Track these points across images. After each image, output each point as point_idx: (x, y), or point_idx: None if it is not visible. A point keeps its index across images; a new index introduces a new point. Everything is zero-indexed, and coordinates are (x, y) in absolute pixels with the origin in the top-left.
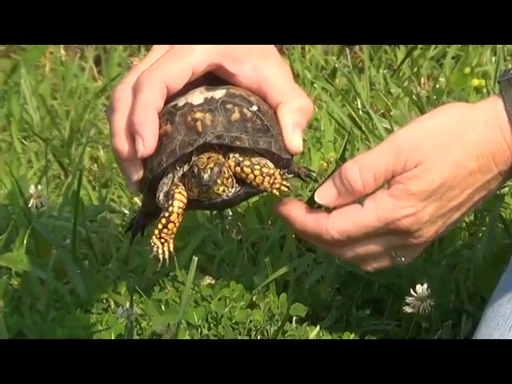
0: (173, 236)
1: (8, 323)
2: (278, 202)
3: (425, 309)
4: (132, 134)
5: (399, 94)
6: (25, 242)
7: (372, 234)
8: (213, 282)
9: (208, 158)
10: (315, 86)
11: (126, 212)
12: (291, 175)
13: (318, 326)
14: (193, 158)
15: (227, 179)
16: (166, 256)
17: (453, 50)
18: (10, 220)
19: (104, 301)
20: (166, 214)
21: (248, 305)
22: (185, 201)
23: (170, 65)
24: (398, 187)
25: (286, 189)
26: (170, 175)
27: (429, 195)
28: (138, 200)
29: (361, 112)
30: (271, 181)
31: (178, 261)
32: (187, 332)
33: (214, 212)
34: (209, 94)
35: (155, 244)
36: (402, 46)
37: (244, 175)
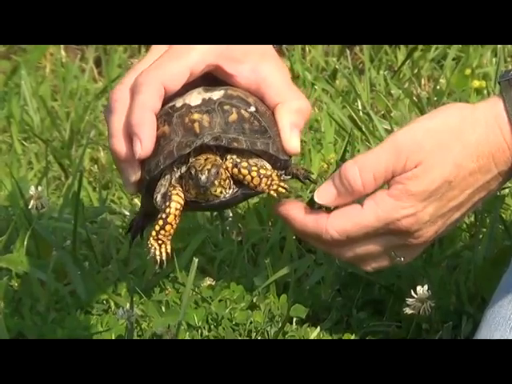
0: (170, 237)
1: (8, 324)
2: (277, 202)
3: (425, 310)
4: (130, 136)
5: (400, 95)
6: (25, 243)
7: (372, 234)
8: (213, 283)
9: (205, 160)
10: (316, 87)
11: (127, 213)
12: (289, 176)
13: (319, 327)
14: (190, 160)
15: (224, 180)
16: (164, 257)
17: (453, 51)
18: (10, 221)
19: (104, 302)
20: (163, 216)
21: (248, 306)
22: (182, 202)
23: (167, 66)
24: (398, 187)
25: (284, 190)
26: (168, 176)
27: (429, 195)
28: (138, 201)
29: (361, 113)
30: (268, 182)
31: (178, 262)
32: (187, 333)
33: (215, 213)
34: (207, 95)
35: (153, 246)
36: (402, 48)
37: (241, 176)
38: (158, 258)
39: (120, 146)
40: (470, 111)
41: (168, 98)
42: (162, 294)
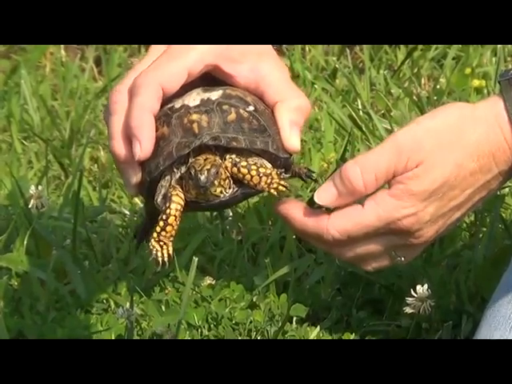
0: (172, 239)
1: (8, 324)
2: (277, 201)
3: (425, 309)
4: (129, 138)
5: (399, 94)
6: (25, 242)
7: (372, 233)
8: (213, 282)
9: (205, 160)
10: (316, 86)
11: (127, 212)
12: (289, 175)
13: (319, 327)
14: (190, 160)
15: (224, 180)
16: (166, 259)
17: (453, 50)
18: (10, 220)
19: (104, 301)
20: (164, 217)
21: (248, 305)
22: (182, 203)
23: (165, 67)
24: (399, 187)
25: (284, 188)
26: (168, 177)
27: (430, 195)
28: (138, 201)
29: (361, 112)
30: (268, 181)
31: (178, 261)
32: (187, 332)
33: (215, 213)
34: (205, 96)
35: (154, 247)
36: (402, 47)
37: (241, 176)
38: (159, 259)
39: (120, 148)
40: (470, 111)
41: (167, 99)
42: (161, 294)
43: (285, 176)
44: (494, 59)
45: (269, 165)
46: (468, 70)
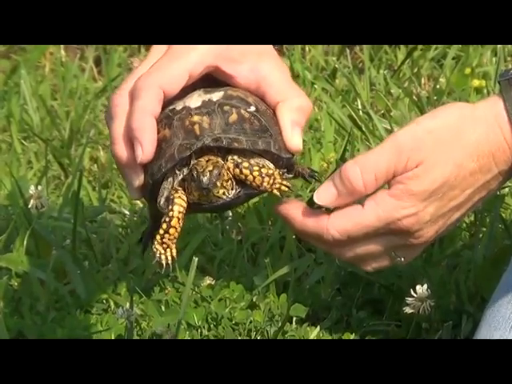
0: (175, 241)
1: (8, 324)
2: (278, 201)
3: (425, 309)
4: (131, 141)
5: (399, 94)
6: (25, 242)
7: (372, 234)
8: (213, 282)
9: (207, 161)
10: (315, 86)
11: (126, 213)
12: (291, 175)
13: (318, 327)
14: (192, 162)
15: (227, 181)
16: (169, 261)
17: (453, 50)
18: (10, 221)
19: (104, 301)
20: (167, 219)
21: (248, 305)
22: (185, 205)
23: (166, 69)
24: (399, 187)
25: (287, 188)
26: (170, 179)
27: (430, 195)
28: (138, 201)
29: (361, 112)
30: (271, 181)
31: (178, 261)
32: (187, 333)
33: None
34: (206, 97)
35: (158, 250)
36: (402, 47)
37: (243, 177)
38: (163, 261)
39: (121, 151)
40: (470, 110)
41: (168, 101)
42: (161, 294)
43: (287, 176)
44: (494, 59)
45: (271, 165)
46: (468, 70)
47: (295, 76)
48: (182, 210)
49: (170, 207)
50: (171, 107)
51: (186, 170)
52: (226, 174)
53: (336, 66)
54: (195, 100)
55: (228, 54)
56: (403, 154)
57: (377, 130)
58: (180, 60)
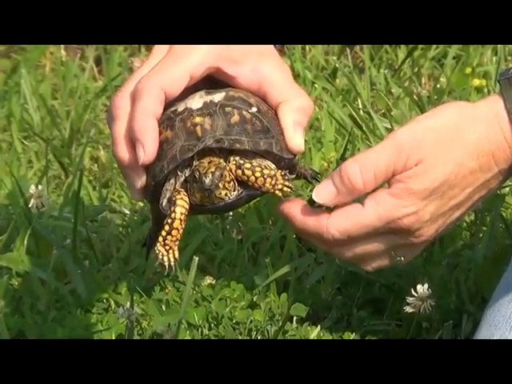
0: (177, 242)
1: (8, 323)
2: (280, 201)
3: (425, 309)
4: (133, 142)
5: (400, 93)
6: (25, 242)
7: (372, 233)
8: (213, 282)
9: (209, 163)
10: (316, 86)
11: (127, 212)
12: (293, 176)
13: (319, 326)
14: (194, 163)
15: (229, 183)
16: (172, 263)
17: (454, 50)
18: (10, 220)
19: (104, 301)
20: (169, 221)
21: (249, 305)
22: (187, 206)
23: (167, 71)
24: (399, 186)
25: (289, 189)
26: (172, 181)
27: (430, 194)
28: (139, 201)
29: (361, 112)
30: (273, 182)
31: (178, 261)
32: (188, 332)
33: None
34: (208, 98)
35: (160, 251)
36: (402, 46)
37: (245, 178)
38: (166, 263)
39: (123, 152)
40: (470, 109)
41: (169, 103)
42: (162, 293)
43: (289, 177)
44: (494, 58)
45: (273, 166)
46: (468, 70)
47: (296, 75)
48: (184, 211)
49: (172, 209)
50: (173, 108)
51: (188, 172)
52: (228, 175)
53: (336, 65)
54: (197, 101)
55: (229, 54)
56: (403, 152)
57: (377, 129)
58: (181, 61)
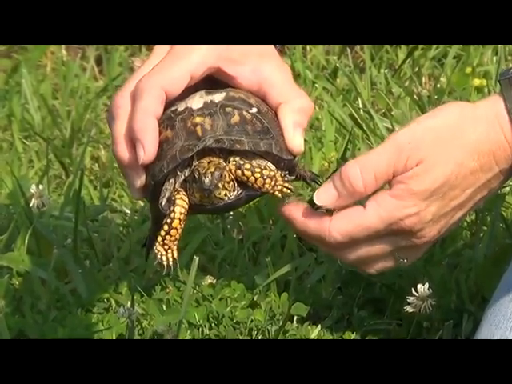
0: (176, 242)
1: (9, 323)
2: (280, 202)
3: (426, 308)
4: (132, 141)
5: (400, 93)
6: (26, 241)
7: (375, 235)
8: (214, 281)
9: (209, 163)
10: (316, 85)
11: (128, 212)
12: (293, 177)
13: (319, 326)
14: (193, 163)
15: (228, 183)
16: (171, 263)
17: (454, 49)
18: (11, 220)
19: (105, 300)
20: (168, 221)
21: (249, 304)
22: (186, 206)
23: (168, 70)
24: (400, 187)
25: (288, 191)
26: (172, 180)
27: (431, 194)
28: (139, 200)
29: (362, 112)
30: (272, 183)
31: (179, 260)
32: (188, 332)
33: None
34: (208, 98)
35: (159, 251)
36: (403, 46)
37: (245, 178)
38: (164, 263)
39: (123, 151)
40: (470, 109)
41: (170, 102)
42: (162, 293)
43: (289, 178)
44: (494, 58)
45: (273, 167)
46: (469, 69)
47: (296, 75)
48: (183, 211)
49: (172, 208)
50: (173, 108)
51: (187, 172)
52: (227, 175)
53: (337, 65)
54: (197, 101)
55: (229, 54)
56: (403, 152)
57: (378, 129)
58: (182, 61)
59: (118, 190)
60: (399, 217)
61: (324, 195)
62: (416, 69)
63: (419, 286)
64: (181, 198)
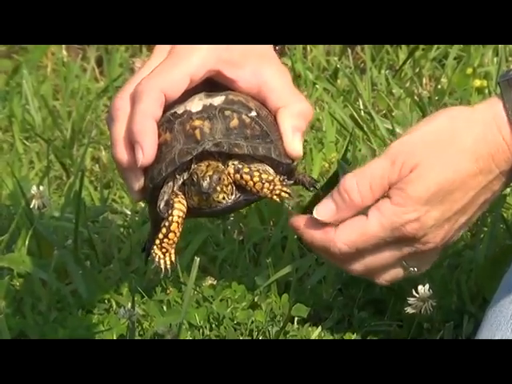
0: (174, 245)
1: (10, 324)
2: (279, 206)
3: (426, 309)
4: (131, 144)
5: (401, 94)
6: (27, 242)
7: (379, 244)
8: (214, 282)
9: (207, 166)
10: (317, 86)
11: (128, 213)
12: (291, 181)
13: (320, 327)
14: (192, 166)
15: (227, 186)
16: (168, 266)
17: (455, 50)
18: (11, 221)
19: (106, 301)
20: (166, 224)
21: (250, 305)
22: (184, 209)
23: (167, 73)
24: (399, 194)
25: (286, 195)
26: (170, 184)
27: (429, 199)
28: (140, 202)
29: (362, 113)
30: (271, 187)
31: (179, 261)
32: (189, 333)
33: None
34: (207, 101)
35: (157, 254)
36: (403, 47)
37: (243, 182)
38: (162, 266)
39: (122, 154)
40: (465, 113)
41: (169, 105)
42: (163, 294)
43: (287, 182)
44: (495, 59)
45: (271, 171)
46: (469, 70)
47: (297, 76)
48: (181, 214)
49: (170, 212)
50: (172, 111)
51: (186, 175)
52: (226, 179)
53: (337, 66)
54: (196, 104)
55: (230, 56)
56: (396, 161)
57: (378, 130)
58: (181, 64)
59: (119, 191)
60: (400, 222)
61: (323, 209)
62: (417, 70)
63: (420, 287)
64: (179, 202)
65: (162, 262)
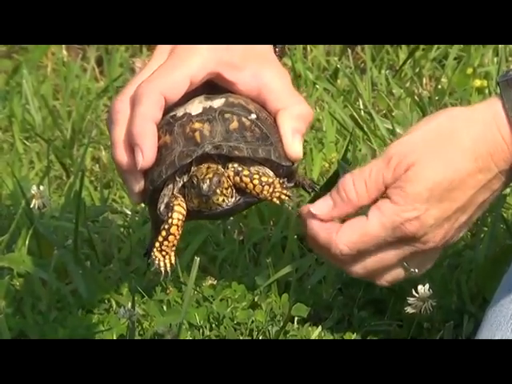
0: (174, 248)
1: (10, 324)
2: (279, 206)
3: (426, 309)
4: (131, 146)
5: (401, 94)
6: (27, 242)
7: (380, 244)
8: (215, 282)
9: (207, 169)
10: (317, 86)
11: (128, 212)
12: (291, 184)
13: (320, 327)
14: (192, 169)
15: (227, 189)
16: (168, 269)
17: (455, 50)
18: (11, 220)
19: (106, 301)
20: (166, 227)
21: (250, 305)
22: (184, 212)
23: (167, 76)
24: (398, 192)
25: (286, 197)
26: (170, 186)
27: (428, 197)
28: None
29: (363, 113)
30: (270, 190)
31: (179, 261)
32: (189, 332)
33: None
34: (207, 104)
35: (156, 257)
36: (403, 47)
37: (243, 185)
38: (162, 269)
39: (122, 156)
40: (464, 113)
41: (169, 108)
42: (163, 294)
43: (287, 185)
44: (495, 59)
45: (271, 173)
46: (470, 70)
47: (297, 76)
48: (181, 217)
49: (170, 214)
50: (172, 113)
51: (186, 177)
52: (226, 181)
53: (338, 66)
54: (196, 107)
55: (230, 58)
56: (392, 160)
57: (378, 130)
58: (182, 66)
59: (119, 191)
60: (399, 221)
61: (320, 205)
62: (417, 70)
63: (420, 287)
64: (179, 204)
65: (161, 264)
